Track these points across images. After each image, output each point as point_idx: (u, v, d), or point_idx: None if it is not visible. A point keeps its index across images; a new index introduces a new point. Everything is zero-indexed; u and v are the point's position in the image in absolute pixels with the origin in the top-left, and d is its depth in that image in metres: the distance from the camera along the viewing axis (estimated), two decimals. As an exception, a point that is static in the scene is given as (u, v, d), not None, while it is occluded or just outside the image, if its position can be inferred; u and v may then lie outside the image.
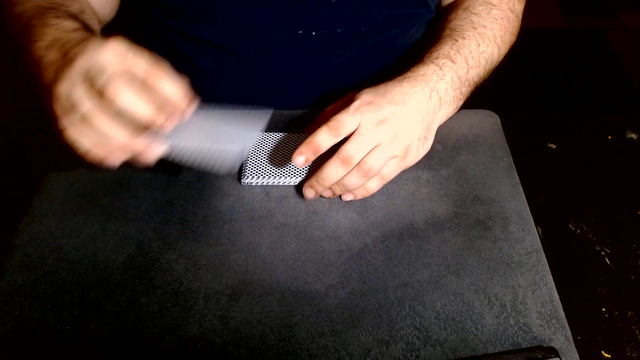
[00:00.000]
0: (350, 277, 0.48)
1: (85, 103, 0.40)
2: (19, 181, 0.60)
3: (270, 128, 0.61)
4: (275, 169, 0.56)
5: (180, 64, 0.72)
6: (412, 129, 0.52)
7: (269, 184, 0.56)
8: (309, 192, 0.54)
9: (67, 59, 0.42)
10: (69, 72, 0.40)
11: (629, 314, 0.48)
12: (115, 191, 0.56)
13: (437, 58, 0.57)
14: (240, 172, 0.57)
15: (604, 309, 0.49)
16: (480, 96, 0.62)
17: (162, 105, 0.42)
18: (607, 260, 0.53)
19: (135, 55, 0.41)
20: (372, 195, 0.55)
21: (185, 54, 0.70)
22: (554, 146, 0.65)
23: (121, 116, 0.41)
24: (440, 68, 0.56)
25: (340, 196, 0.55)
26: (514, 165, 0.59)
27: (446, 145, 0.61)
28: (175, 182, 0.56)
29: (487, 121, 0.64)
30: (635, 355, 0.45)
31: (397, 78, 0.55)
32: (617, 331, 0.47)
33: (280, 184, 0.56)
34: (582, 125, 0.68)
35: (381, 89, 0.53)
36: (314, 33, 0.66)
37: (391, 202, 0.55)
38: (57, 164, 0.58)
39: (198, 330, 0.44)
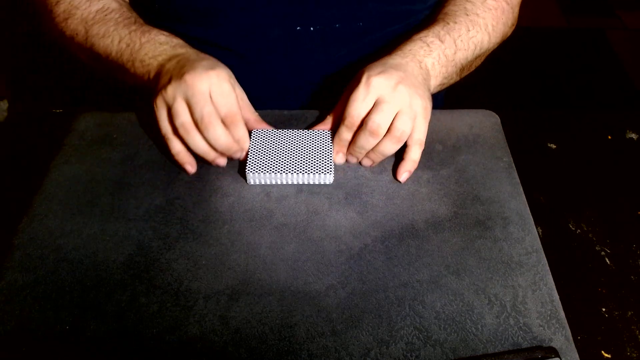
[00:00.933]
0: (350, 277, 0.48)
1: (183, 117, 0.53)
2: (19, 181, 0.60)
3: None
4: (280, 165, 0.56)
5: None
6: (419, 87, 0.55)
7: (273, 181, 0.56)
8: (350, 158, 0.58)
9: (180, 73, 0.53)
10: (176, 84, 0.52)
11: (629, 314, 0.48)
12: (115, 191, 0.56)
13: (427, 37, 0.59)
14: (243, 169, 0.57)
15: (604, 309, 0.49)
16: (480, 96, 0.62)
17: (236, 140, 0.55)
18: (607, 260, 0.53)
19: (226, 94, 0.53)
20: (372, 195, 0.55)
21: None
22: (554, 146, 0.65)
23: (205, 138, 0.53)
24: (428, 45, 0.59)
25: (396, 178, 0.57)
26: (514, 165, 0.59)
27: (446, 145, 0.61)
28: (175, 182, 0.56)
29: (487, 121, 0.64)
30: (635, 355, 0.45)
31: (387, 55, 0.58)
32: (617, 331, 0.47)
33: (284, 181, 0.56)
34: (582, 125, 0.68)
35: (376, 63, 0.56)
36: (312, 29, 0.66)
37: (391, 202, 0.55)
38: (55, 166, 0.58)
39: (198, 330, 0.44)
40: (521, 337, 0.44)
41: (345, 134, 0.55)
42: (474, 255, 0.50)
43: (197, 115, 0.52)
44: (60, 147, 0.60)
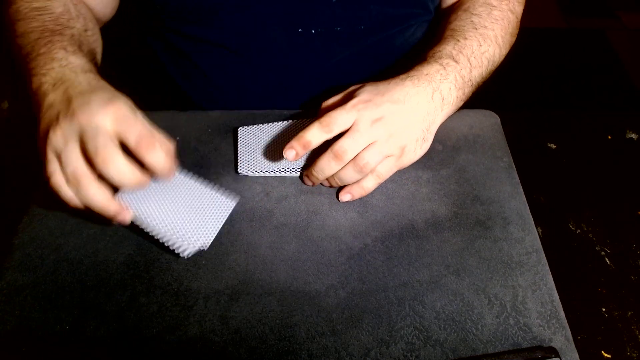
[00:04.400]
0: (350, 277, 0.48)
1: (75, 162, 0.42)
2: (19, 181, 0.60)
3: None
4: (272, 160, 0.56)
5: (180, 63, 0.73)
6: (409, 129, 0.52)
7: (266, 173, 0.56)
8: (306, 181, 0.55)
9: (69, 110, 0.44)
10: (66, 125, 0.43)
11: (629, 314, 0.48)
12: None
13: (441, 58, 0.56)
14: (236, 162, 0.57)
15: (604, 309, 0.49)
16: (480, 96, 0.62)
17: (147, 169, 0.44)
18: (607, 260, 0.53)
19: (132, 121, 0.43)
20: (372, 195, 0.55)
21: (185, 53, 0.70)
22: (554, 146, 0.65)
23: (104, 177, 0.43)
24: (444, 67, 0.55)
25: (338, 197, 0.55)
26: (514, 165, 0.59)
27: (446, 145, 0.61)
28: (175, 182, 0.56)
29: (487, 121, 0.64)
30: (635, 355, 0.45)
31: (400, 76, 0.54)
32: (617, 331, 0.47)
33: (278, 174, 0.56)
34: (582, 125, 0.68)
35: (382, 87, 0.53)
36: (313, 31, 0.66)
37: (391, 202, 0.55)
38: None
39: (198, 330, 0.44)
40: (521, 337, 0.44)
41: (314, 131, 0.50)
42: (474, 255, 0.50)
43: (91, 148, 0.42)
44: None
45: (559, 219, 0.56)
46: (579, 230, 0.55)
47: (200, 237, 0.48)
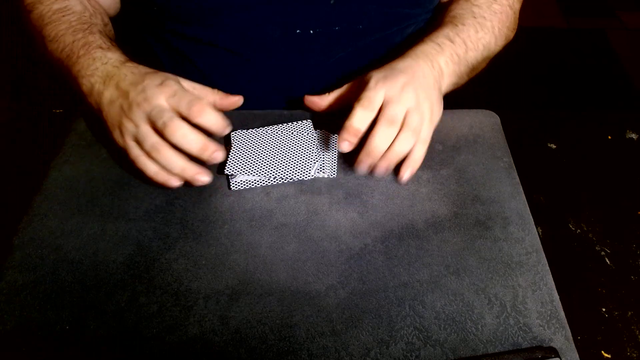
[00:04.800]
0: (350, 277, 0.48)
1: (151, 138, 0.51)
2: (19, 181, 0.60)
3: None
4: (265, 166, 0.56)
5: (179, 63, 0.73)
6: (429, 91, 0.55)
7: (259, 184, 0.56)
8: (362, 166, 0.54)
9: (130, 101, 0.52)
10: (133, 114, 0.51)
11: (629, 314, 0.48)
12: (115, 191, 0.56)
13: (437, 38, 0.60)
14: (227, 179, 0.56)
15: (604, 309, 0.49)
16: (480, 96, 0.62)
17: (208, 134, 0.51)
18: (607, 260, 0.53)
19: (181, 95, 0.51)
20: (372, 195, 0.55)
21: (184, 54, 0.70)
22: (554, 146, 0.65)
23: (179, 147, 0.51)
24: (439, 45, 0.59)
25: (399, 179, 0.55)
26: (514, 165, 0.59)
27: (446, 145, 0.61)
28: (175, 182, 0.56)
29: (487, 121, 0.64)
30: (635, 355, 0.45)
31: (399, 57, 0.57)
32: (617, 331, 0.47)
33: (271, 182, 0.56)
34: (582, 125, 0.68)
35: (387, 67, 0.56)
36: (311, 32, 0.66)
37: (391, 202, 0.55)
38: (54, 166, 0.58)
39: (198, 330, 0.44)
40: (521, 337, 0.44)
41: (361, 114, 0.52)
42: (474, 255, 0.50)
43: (160, 125, 0.50)
44: (60, 147, 0.60)
45: (559, 219, 0.56)
46: (579, 230, 0.55)
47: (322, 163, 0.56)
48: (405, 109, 0.53)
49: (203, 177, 0.52)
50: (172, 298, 0.47)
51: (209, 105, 0.51)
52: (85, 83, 0.55)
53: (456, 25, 0.62)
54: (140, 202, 0.55)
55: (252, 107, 0.65)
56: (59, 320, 0.45)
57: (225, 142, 0.60)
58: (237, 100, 0.59)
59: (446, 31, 0.61)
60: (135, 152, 0.52)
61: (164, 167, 0.51)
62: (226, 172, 0.55)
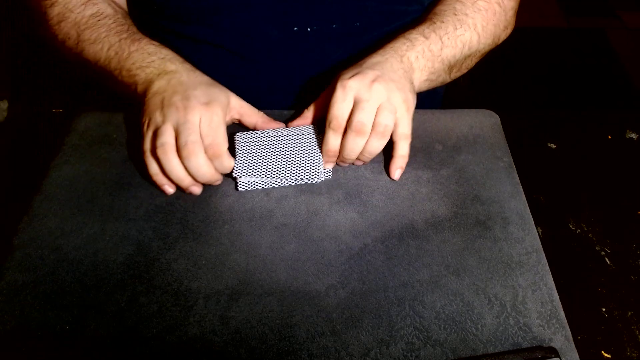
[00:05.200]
0: (350, 277, 0.48)
1: (167, 137, 0.52)
2: (19, 181, 0.60)
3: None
4: (270, 168, 0.56)
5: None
6: (399, 81, 0.55)
7: (266, 185, 0.56)
8: (342, 164, 0.58)
9: (172, 100, 0.53)
10: (167, 111, 0.53)
11: (629, 314, 0.48)
12: (115, 191, 0.56)
13: (410, 34, 0.60)
14: (235, 180, 0.56)
15: (604, 309, 0.49)
16: (480, 96, 0.63)
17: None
18: (607, 260, 0.53)
19: (213, 128, 0.52)
20: (372, 195, 0.55)
21: (182, 53, 0.70)
22: (554, 146, 0.65)
23: (185, 165, 0.52)
24: (410, 41, 0.59)
25: (391, 176, 0.57)
26: (514, 165, 0.59)
27: (446, 145, 0.61)
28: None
29: (487, 121, 0.64)
30: (635, 355, 0.45)
31: (369, 55, 0.58)
32: (617, 331, 0.47)
33: (278, 184, 0.56)
34: (582, 125, 0.68)
35: (356, 65, 0.56)
36: (309, 29, 0.66)
37: (391, 202, 0.55)
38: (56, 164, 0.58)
39: (198, 330, 0.44)
40: (521, 337, 0.44)
41: (333, 138, 0.55)
42: (474, 255, 0.50)
43: (182, 141, 0.51)
44: (60, 147, 0.60)
45: (559, 219, 0.56)
46: (579, 230, 0.55)
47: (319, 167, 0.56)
48: (375, 106, 0.53)
49: (197, 189, 0.55)
50: (172, 298, 0.47)
51: (226, 154, 0.53)
52: (140, 74, 0.57)
53: (434, 22, 0.61)
54: (140, 202, 0.55)
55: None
56: (59, 320, 0.45)
57: (230, 143, 0.60)
58: (278, 126, 0.61)
59: (422, 28, 0.61)
60: (148, 145, 0.53)
61: (163, 170, 0.53)
62: (234, 175, 0.55)
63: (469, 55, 0.64)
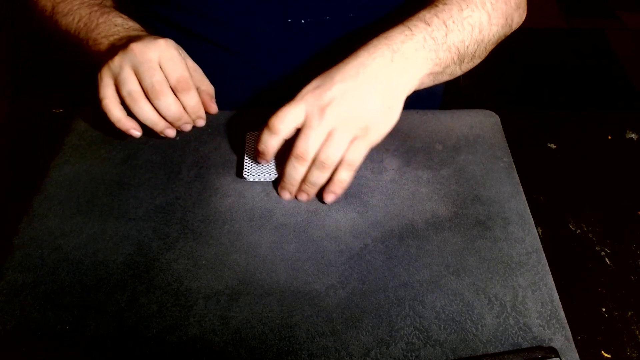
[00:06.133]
0: (350, 277, 0.48)
1: (131, 85, 0.51)
2: (19, 181, 0.60)
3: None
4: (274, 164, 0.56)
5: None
6: (366, 103, 0.49)
7: (272, 178, 0.56)
8: (284, 194, 0.54)
9: (127, 47, 0.52)
10: (123, 55, 0.52)
11: (629, 314, 0.48)
12: (115, 191, 0.56)
13: (410, 21, 0.53)
14: (241, 169, 0.57)
15: (604, 309, 0.49)
16: (480, 96, 0.62)
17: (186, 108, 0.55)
18: (607, 260, 0.53)
19: (176, 62, 0.53)
20: (372, 195, 0.55)
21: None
22: (554, 146, 0.65)
23: (155, 106, 0.53)
24: (410, 29, 0.52)
25: (323, 201, 0.54)
26: (514, 165, 0.59)
27: (446, 145, 0.61)
28: (175, 182, 0.56)
29: (487, 121, 0.64)
30: (635, 355, 0.45)
31: (359, 49, 0.52)
32: (617, 331, 0.47)
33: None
34: (582, 125, 0.68)
35: (334, 69, 0.51)
36: (302, 21, 0.65)
37: (391, 202, 0.55)
38: (57, 164, 0.58)
39: (198, 330, 0.44)
40: (521, 337, 0.44)
41: (265, 138, 0.51)
42: (474, 255, 0.50)
43: (147, 83, 0.51)
44: (60, 147, 0.60)
45: (559, 219, 0.56)
46: (579, 230, 0.55)
47: None
48: (322, 136, 0.49)
49: (171, 132, 0.55)
50: (172, 298, 0.47)
51: (194, 88, 0.53)
52: (104, 42, 0.58)
53: (437, 5, 0.55)
54: (140, 202, 0.55)
55: (247, 103, 0.64)
56: (59, 320, 0.45)
57: (240, 142, 0.60)
58: (213, 108, 0.60)
59: (423, 13, 0.54)
60: (106, 91, 0.53)
61: (136, 115, 0.53)
62: (244, 175, 0.55)
63: (483, 40, 0.57)
